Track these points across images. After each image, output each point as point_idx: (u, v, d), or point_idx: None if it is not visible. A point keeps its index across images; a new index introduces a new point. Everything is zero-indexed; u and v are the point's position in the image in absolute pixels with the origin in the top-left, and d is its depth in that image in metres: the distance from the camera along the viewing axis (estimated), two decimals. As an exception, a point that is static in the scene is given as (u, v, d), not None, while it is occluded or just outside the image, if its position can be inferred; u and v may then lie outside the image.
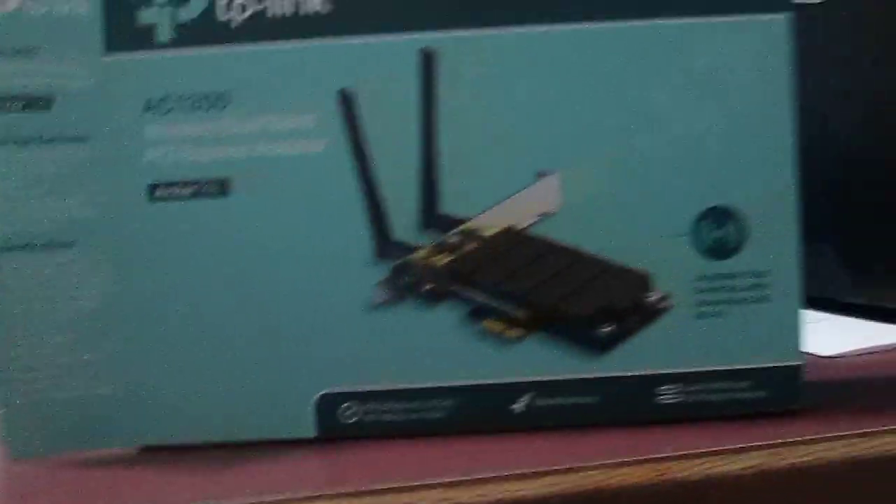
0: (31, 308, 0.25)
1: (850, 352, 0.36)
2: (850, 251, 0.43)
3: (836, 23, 0.42)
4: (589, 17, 0.25)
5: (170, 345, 0.25)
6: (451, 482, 0.22)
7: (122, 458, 0.26)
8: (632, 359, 0.26)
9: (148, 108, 0.25)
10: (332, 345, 0.25)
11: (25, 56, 0.25)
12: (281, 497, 0.21)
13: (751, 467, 0.23)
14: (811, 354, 0.36)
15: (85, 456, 0.26)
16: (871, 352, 0.36)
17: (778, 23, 0.25)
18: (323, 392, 0.26)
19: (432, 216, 0.25)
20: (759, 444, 0.23)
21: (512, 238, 0.25)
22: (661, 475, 0.22)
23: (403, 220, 0.25)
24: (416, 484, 0.22)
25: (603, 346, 0.25)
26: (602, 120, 0.25)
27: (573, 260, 0.25)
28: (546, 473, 0.22)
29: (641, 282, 0.25)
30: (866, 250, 0.42)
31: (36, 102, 0.25)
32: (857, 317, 0.44)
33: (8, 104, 0.24)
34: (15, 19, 0.24)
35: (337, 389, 0.26)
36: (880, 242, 0.41)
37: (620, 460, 0.23)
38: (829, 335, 0.39)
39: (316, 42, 0.25)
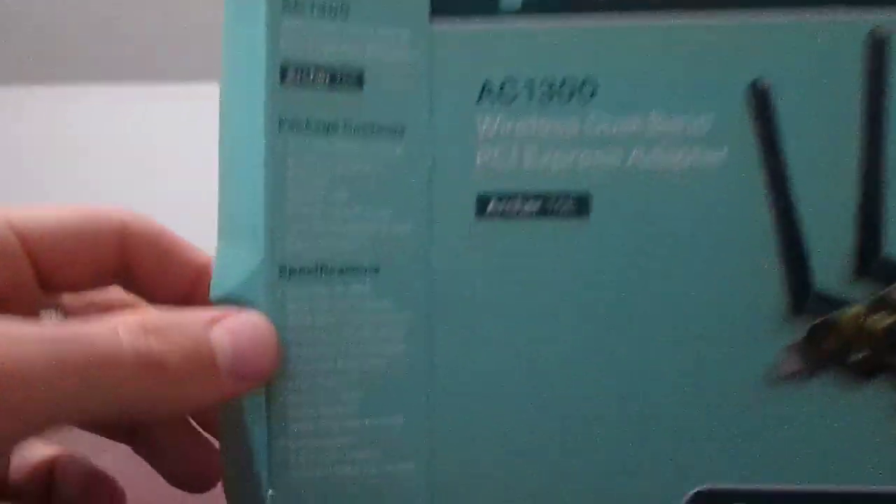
0: (321, 354, 0.18)
1: None
2: None
3: None
4: None
5: (495, 410, 0.19)
6: None
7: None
8: None
9: (484, 94, 0.19)
10: (715, 427, 0.19)
11: (334, 16, 0.19)
12: None
13: None
14: None
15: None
16: None
17: None
18: (697, 489, 0.19)
19: (871, 261, 0.19)
20: None
21: (982, 297, 0.19)
22: None
23: (830, 265, 0.18)
24: None
25: None
26: None
27: None
28: None
29: None
30: None
31: (345, 78, 0.19)
32: None
33: (312, 76, 0.19)
34: (326, -33, 0.19)
35: (716, 486, 0.19)
36: None
37: None
38: None
39: (720, 18, 0.19)
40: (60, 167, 1.15)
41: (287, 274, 0.18)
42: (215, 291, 0.19)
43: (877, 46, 0.18)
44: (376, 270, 0.19)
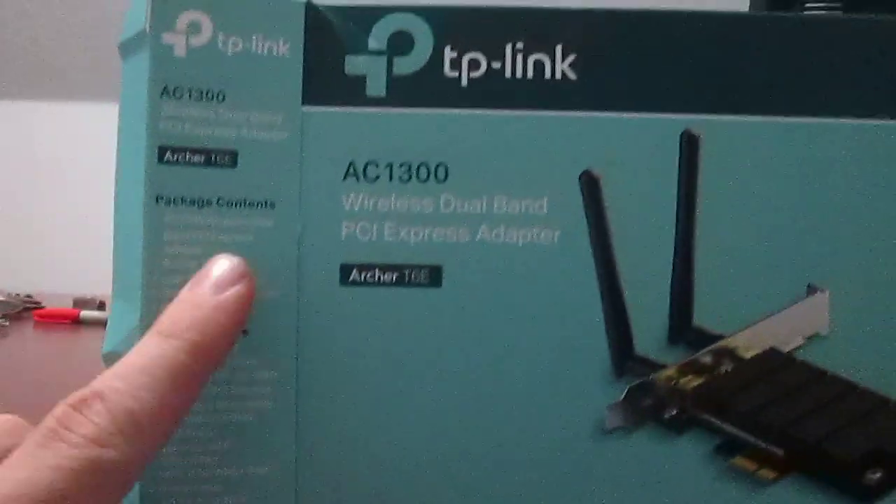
0: (192, 407, 0.21)
1: None
2: None
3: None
4: (876, 111, 0.23)
5: (355, 461, 0.21)
6: None
7: None
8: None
9: (350, 173, 0.22)
10: (549, 473, 0.21)
11: (212, 100, 0.21)
12: None
13: None
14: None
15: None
16: None
17: None
18: (532, 532, 0.22)
19: (684, 329, 0.22)
20: None
21: (774, 361, 0.22)
22: None
23: (649, 332, 0.21)
24: None
25: (870, 495, 0.22)
26: (881, 231, 0.22)
27: (842, 392, 0.22)
28: None
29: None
30: None
31: (220, 157, 0.21)
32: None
33: (189, 156, 0.21)
34: (205, 55, 0.21)
35: (549, 530, 0.22)
36: None
37: None
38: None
39: (557, 113, 0.22)
40: (28, 181, 1.14)
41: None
42: (105, 347, 0.21)
43: (690, 143, 0.21)
44: (245, 332, 0.21)
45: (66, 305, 0.80)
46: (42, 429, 0.17)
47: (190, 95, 0.21)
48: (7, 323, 0.70)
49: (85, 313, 0.77)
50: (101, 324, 0.78)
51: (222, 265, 0.20)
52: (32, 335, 0.70)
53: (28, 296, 0.83)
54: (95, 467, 0.16)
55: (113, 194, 0.22)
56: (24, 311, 0.79)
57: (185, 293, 0.20)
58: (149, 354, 0.18)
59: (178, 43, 0.20)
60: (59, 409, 0.17)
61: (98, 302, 0.81)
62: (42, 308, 0.79)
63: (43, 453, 0.16)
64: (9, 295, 0.80)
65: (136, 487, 0.20)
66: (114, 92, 0.21)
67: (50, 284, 0.99)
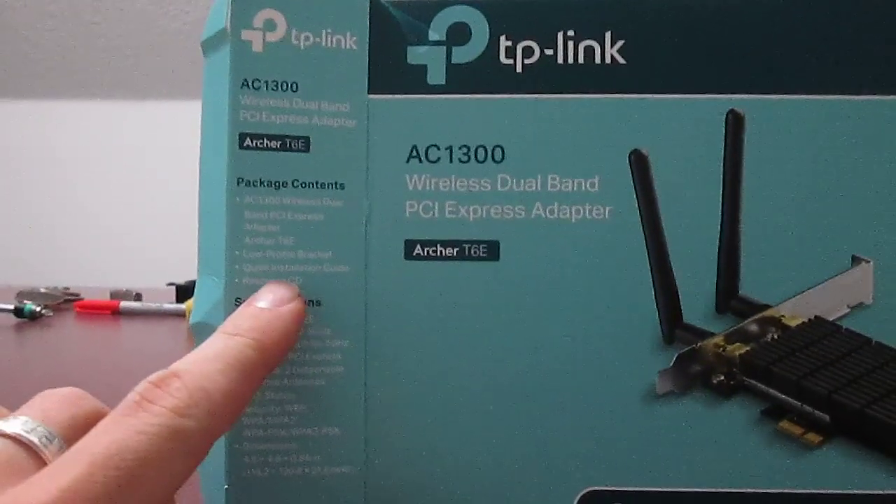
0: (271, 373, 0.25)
1: None
2: None
3: None
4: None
5: (419, 423, 0.25)
6: None
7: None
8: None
9: (413, 156, 0.26)
10: (602, 436, 0.25)
11: (287, 91, 0.25)
12: None
13: None
14: None
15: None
16: None
17: None
18: (588, 489, 0.25)
19: (730, 299, 0.25)
20: None
21: (820, 330, 0.25)
22: None
23: (696, 302, 0.25)
24: None
25: (915, 460, 0.25)
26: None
27: (887, 359, 0.25)
28: None
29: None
30: None
31: (294, 142, 0.25)
32: None
33: (266, 142, 0.25)
34: (280, 50, 0.25)
35: (604, 487, 0.25)
36: None
37: None
38: None
39: (607, 96, 0.25)
40: (37, 178, 1.23)
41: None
42: (192, 318, 0.26)
43: (735, 122, 0.25)
44: (319, 304, 0.25)
45: (102, 298, 0.86)
46: (126, 402, 0.21)
47: (266, 87, 0.25)
48: (51, 314, 0.77)
49: (125, 304, 0.83)
50: (140, 314, 0.84)
51: (278, 287, 0.24)
52: (74, 325, 0.77)
53: (66, 288, 0.90)
54: (176, 434, 0.20)
55: (193, 182, 0.26)
56: (65, 302, 0.85)
57: (243, 307, 0.24)
58: (217, 347, 0.23)
59: (255, 39, 0.25)
60: (141, 385, 0.21)
61: (134, 294, 0.87)
62: (82, 300, 0.85)
63: (129, 421, 0.20)
64: (48, 287, 0.87)
65: (224, 445, 0.24)
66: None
67: (84, 279, 1.07)
